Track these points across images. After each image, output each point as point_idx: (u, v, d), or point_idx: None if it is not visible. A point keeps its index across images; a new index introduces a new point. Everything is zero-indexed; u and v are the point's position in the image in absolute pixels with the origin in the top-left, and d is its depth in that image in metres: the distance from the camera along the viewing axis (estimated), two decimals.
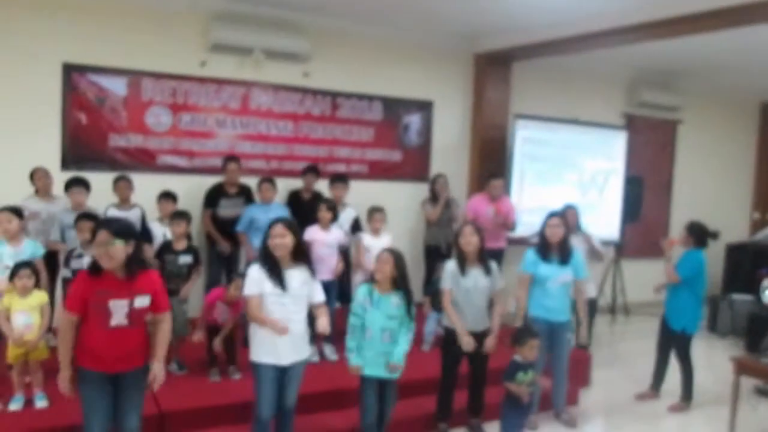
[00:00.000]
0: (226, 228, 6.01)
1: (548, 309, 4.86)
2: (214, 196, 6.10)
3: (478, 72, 7.87)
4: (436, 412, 4.69)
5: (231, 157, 6.15)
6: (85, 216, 4.77)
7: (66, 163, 5.88)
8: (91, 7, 5.88)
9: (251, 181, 6.25)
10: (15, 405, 4.12)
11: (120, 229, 3.21)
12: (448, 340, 4.58)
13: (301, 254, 3.84)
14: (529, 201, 7.67)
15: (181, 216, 5.08)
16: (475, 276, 4.48)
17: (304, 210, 6.01)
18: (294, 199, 6.42)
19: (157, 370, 3.36)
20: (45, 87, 5.79)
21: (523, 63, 7.89)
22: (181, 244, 5.01)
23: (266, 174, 6.41)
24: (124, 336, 3.23)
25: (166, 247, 5.01)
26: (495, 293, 4.57)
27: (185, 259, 4.98)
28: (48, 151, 5.78)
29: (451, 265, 4.55)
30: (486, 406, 4.69)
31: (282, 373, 3.80)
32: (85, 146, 5.98)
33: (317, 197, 6.25)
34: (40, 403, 4.15)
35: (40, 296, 4.16)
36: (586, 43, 6.73)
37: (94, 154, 6.01)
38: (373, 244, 5.54)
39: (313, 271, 3.89)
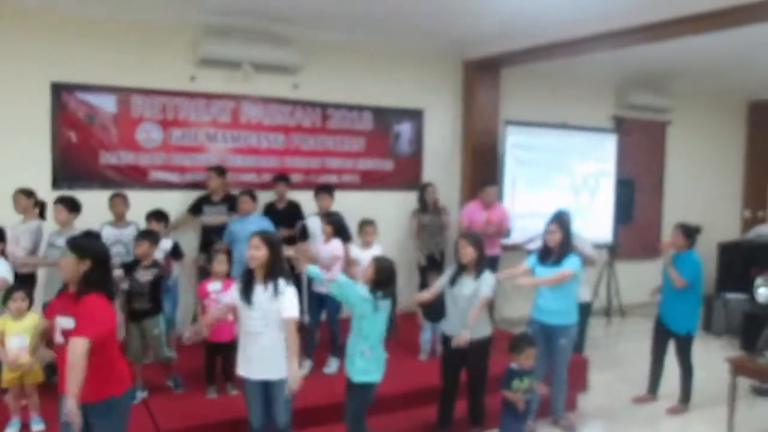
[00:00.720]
0: (211, 236, 6.03)
1: (541, 310, 4.94)
2: (198, 204, 6.21)
3: (467, 79, 7.89)
4: (437, 421, 4.68)
5: (213, 168, 6.20)
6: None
7: (57, 182, 5.86)
8: (79, 25, 5.87)
9: None
10: (12, 429, 4.09)
11: (78, 244, 3.15)
12: (446, 347, 4.60)
13: (277, 268, 3.73)
14: (522, 206, 7.70)
15: (146, 236, 4.91)
16: (465, 282, 4.48)
17: (280, 219, 6.14)
18: (269, 210, 6.43)
19: (69, 406, 2.89)
20: (34, 106, 5.77)
21: (511, 69, 7.92)
22: (146, 261, 4.81)
23: (257, 187, 6.45)
24: (63, 356, 3.04)
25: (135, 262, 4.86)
26: (479, 298, 4.46)
27: (145, 276, 4.76)
28: (38, 171, 5.76)
29: (448, 272, 4.63)
30: (488, 413, 4.67)
31: (266, 387, 3.78)
32: (76, 164, 5.96)
33: (291, 206, 6.38)
34: (37, 426, 4.12)
35: (33, 318, 4.13)
36: (573, 48, 6.76)
37: (86, 172, 6.00)
38: (363, 256, 5.52)
39: (283, 284, 3.71)
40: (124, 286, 4.68)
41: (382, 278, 4.01)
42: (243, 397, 3.95)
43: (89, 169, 6.02)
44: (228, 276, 4.82)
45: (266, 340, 3.69)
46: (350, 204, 6.63)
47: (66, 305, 3.12)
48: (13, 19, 5.64)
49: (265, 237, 3.76)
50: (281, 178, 6.49)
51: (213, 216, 6.14)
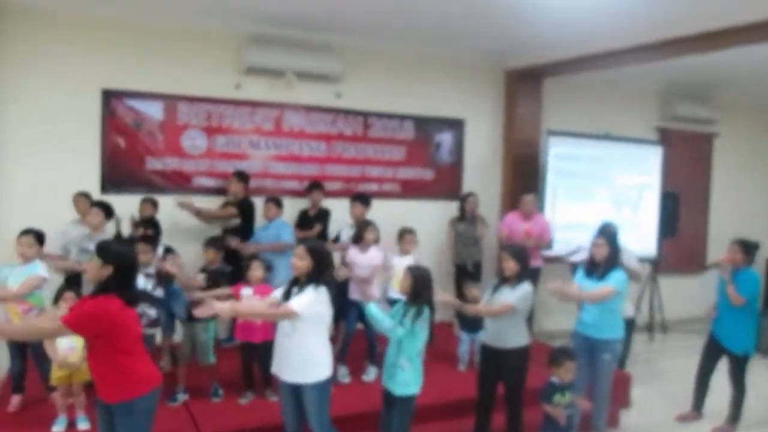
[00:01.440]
0: (227, 240, 6.07)
1: (585, 324, 4.86)
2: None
3: (509, 89, 7.85)
4: None
5: (236, 173, 6.26)
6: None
7: (105, 187, 6.00)
8: (129, 33, 6.04)
9: (286, 202, 6.30)
10: (58, 427, 4.19)
11: (104, 249, 3.19)
12: (483, 358, 4.56)
13: (319, 277, 3.75)
14: (563, 218, 7.60)
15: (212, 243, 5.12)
16: (504, 293, 4.42)
17: (310, 227, 6.24)
18: (302, 217, 6.48)
19: None
20: (85, 112, 5.94)
21: (554, 79, 7.86)
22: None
23: (299, 194, 6.55)
24: (93, 362, 3.17)
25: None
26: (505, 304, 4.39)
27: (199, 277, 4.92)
28: (88, 175, 5.92)
29: (491, 283, 4.61)
30: (526, 427, 4.60)
31: (297, 392, 3.80)
32: (123, 170, 6.11)
33: (323, 213, 6.43)
34: (83, 425, 4.22)
35: None
36: (617, 59, 6.68)
37: (132, 178, 6.14)
38: (399, 264, 5.51)
39: (310, 287, 3.72)
40: (158, 293, 4.76)
41: (419, 288, 4.01)
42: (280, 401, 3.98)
43: (136, 174, 6.16)
44: (263, 281, 4.86)
45: (294, 343, 3.71)
46: (389, 213, 6.64)
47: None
48: (67, 28, 5.82)
49: (310, 247, 3.79)
50: (316, 185, 6.53)
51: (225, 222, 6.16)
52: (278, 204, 6.07)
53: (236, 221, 6.10)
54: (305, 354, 3.72)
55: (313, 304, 3.68)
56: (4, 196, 5.67)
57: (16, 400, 4.54)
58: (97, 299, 3.10)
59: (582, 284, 4.88)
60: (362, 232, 5.49)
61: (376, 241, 5.53)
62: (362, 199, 6.17)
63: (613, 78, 8.02)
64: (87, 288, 5.00)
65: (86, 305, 3.10)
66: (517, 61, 7.53)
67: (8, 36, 5.64)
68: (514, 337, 4.39)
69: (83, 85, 5.92)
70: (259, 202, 6.26)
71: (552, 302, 6.89)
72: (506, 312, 4.33)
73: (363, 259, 5.44)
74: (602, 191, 8.01)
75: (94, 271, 3.12)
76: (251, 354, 4.87)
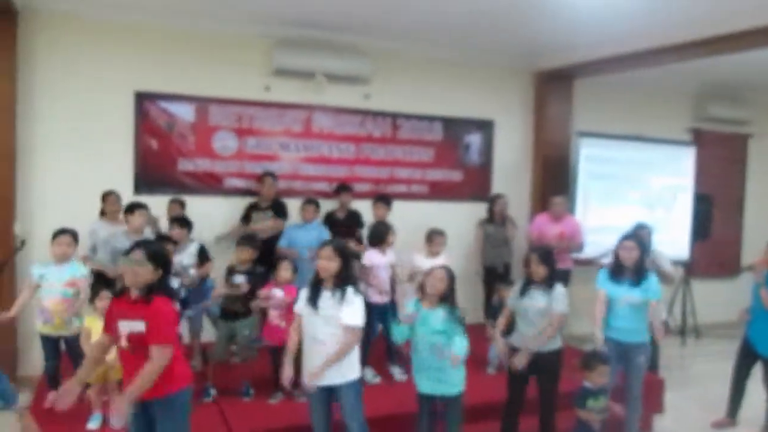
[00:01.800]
0: (267, 242, 6.07)
1: (617, 329, 4.74)
2: (247, 212, 6.26)
3: (538, 90, 7.80)
4: None
5: (270, 173, 6.30)
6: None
7: (138, 188, 6.10)
8: (161, 36, 6.13)
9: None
10: (93, 423, 4.26)
11: (155, 253, 3.22)
12: (559, 360, 4.42)
13: (347, 278, 3.79)
14: (594, 220, 7.52)
15: (247, 243, 5.09)
16: (535, 296, 4.37)
17: (339, 228, 6.21)
18: (329, 219, 6.45)
19: (118, 402, 3.02)
20: (119, 115, 6.05)
21: (584, 79, 7.78)
22: (240, 268, 5.00)
23: (328, 196, 6.55)
24: (129, 360, 3.20)
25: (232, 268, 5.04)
26: (551, 315, 4.35)
27: (238, 279, 4.94)
28: (122, 176, 6.02)
29: (516, 285, 4.52)
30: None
31: (330, 394, 3.80)
32: (155, 171, 6.20)
33: (351, 215, 6.42)
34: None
35: None
36: (649, 59, 6.59)
37: (164, 179, 6.22)
38: (428, 264, 5.49)
39: (351, 292, 3.76)
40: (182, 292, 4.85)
41: (454, 289, 3.99)
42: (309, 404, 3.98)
43: (168, 175, 6.24)
44: (289, 283, 4.89)
45: (330, 347, 3.70)
46: (418, 214, 6.64)
47: (130, 309, 3.16)
48: (101, 33, 5.93)
49: (338, 248, 3.79)
50: (344, 187, 6.54)
51: (261, 222, 6.18)
52: (317, 206, 6.13)
53: (271, 225, 6.15)
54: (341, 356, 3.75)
55: (363, 310, 3.77)
56: (40, 197, 5.80)
57: (52, 396, 4.61)
58: (167, 304, 3.20)
59: (608, 288, 4.77)
60: (384, 235, 5.46)
61: (390, 243, 5.52)
62: (384, 200, 6.21)
63: (644, 78, 7.90)
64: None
65: (163, 315, 3.14)
66: (547, 62, 7.48)
67: (43, 41, 5.77)
68: (550, 340, 4.34)
69: (117, 88, 6.02)
70: (289, 204, 6.33)
71: (582, 306, 6.83)
72: (563, 323, 4.32)
73: (383, 261, 5.44)
74: (634, 193, 7.91)
75: (146, 276, 3.14)
76: (279, 355, 4.89)
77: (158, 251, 3.25)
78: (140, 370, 3.07)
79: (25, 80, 5.71)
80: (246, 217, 6.25)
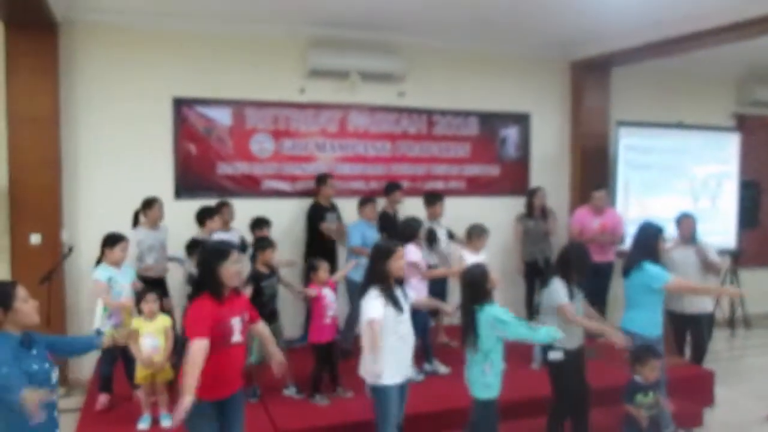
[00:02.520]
0: (327, 243, 6.18)
1: (660, 324, 4.67)
2: (318, 212, 6.26)
3: (575, 80, 7.69)
4: None
5: (329, 175, 6.35)
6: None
7: (179, 193, 6.19)
8: (196, 43, 6.21)
9: (350, 202, 6.37)
10: (143, 424, 4.35)
11: (243, 250, 3.42)
12: (566, 364, 4.24)
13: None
14: (636, 211, 7.35)
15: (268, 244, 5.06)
16: (579, 294, 4.32)
17: (394, 226, 6.08)
18: (384, 217, 6.38)
19: (278, 355, 3.62)
20: (158, 121, 6.16)
21: (622, 68, 7.63)
22: (267, 269, 4.98)
23: (365, 194, 6.53)
24: (239, 351, 3.37)
25: (260, 273, 4.97)
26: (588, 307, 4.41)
27: (274, 281, 5.00)
28: (163, 182, 6.12)
29: (560, 284, 4.27)
30: (600, 428, 4.46)
31: (402, 386, 3.87)
32: (195, 175, 6.29)
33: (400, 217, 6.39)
34: (166, 422, 4.34)
35: (164, 320, 4.40)
36: (692, 44, 6.42)
37: (204, 183, 6.31)
38: (471, 260, 5.45)
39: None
40: None
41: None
42: (359, 399, 4.00)
43: (207, 179, 6.33)
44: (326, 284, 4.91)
45: (409, 343, 3.87)
46: (456, 210, 6.59)
47: (234, 305, 3.34)
48: (140, 41, 6.04)
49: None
50: (395, 186, 6.52)
51: (334, 223, 6.27)
52: (376, 205, 6.18)
53: (342, 228, 6.25)
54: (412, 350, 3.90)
55: None
56: (84, 204, 5.94)
57: (104, 399, 4.72)
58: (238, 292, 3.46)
59: None
60: (416, 230, 5.40)
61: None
62: (438, 198, 6.22)
63: (685, 64, 7.70)
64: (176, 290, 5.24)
65: (246, 299, 3.55)
66: (583, 51, 7.35)
67: (83, 52, 5.91)
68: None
69: (155, 95, 6.13)
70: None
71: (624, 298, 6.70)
72: None
73: (420, 256, 5.40)
74: (677, 182, 7.71)
75: (245, 273, 3.42)
76: (325, 353, 4.91)
77: (242, 250, 3.51)
78: (242, 362, 3.40)
79: (67, 91, 5.85)
80: (319, 217, 6.26)
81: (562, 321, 4.11)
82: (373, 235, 5.87)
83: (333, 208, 6.35)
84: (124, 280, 4.65)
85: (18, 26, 5.50)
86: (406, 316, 3.83)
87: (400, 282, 3.93)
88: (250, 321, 3.49)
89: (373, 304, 3.73)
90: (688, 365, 5.31)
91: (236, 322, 3.31)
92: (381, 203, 6.44)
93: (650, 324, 4.54)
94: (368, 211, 6.07)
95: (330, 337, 4.88)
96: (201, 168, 6.31)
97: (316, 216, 6.27)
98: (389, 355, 3.73)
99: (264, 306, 4.72)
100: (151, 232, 5.53)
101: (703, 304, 5.58)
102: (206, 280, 3.27)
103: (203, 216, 5.51)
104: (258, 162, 6.50)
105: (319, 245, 6.20)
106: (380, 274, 3.79)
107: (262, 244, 4.94)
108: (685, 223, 5.56)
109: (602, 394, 4.47)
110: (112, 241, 4.66)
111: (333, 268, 5.37)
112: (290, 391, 4.93)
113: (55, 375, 2.83)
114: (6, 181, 5.60)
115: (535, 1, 5.65)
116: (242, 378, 3.45)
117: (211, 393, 3.26)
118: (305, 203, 6.47)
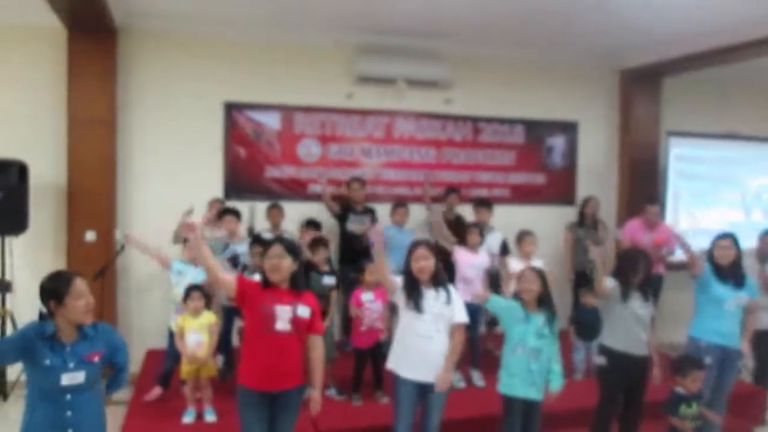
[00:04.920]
0: (353, 244, 6.18)
1: (722, 334, 4.52)
2: (344, 213, 6.30)
3: (624, 89, 7.58)
4: None
5: (357, 179, 6.38)
6: (257, 240, 5.18)
7: (228, 194, 6.35)
8: (248, 49, 6.37)
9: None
10: (188, 418, 4.46)
11: (290, 246, 3.47)
12: (610, 366, 4.26)
13: (441, 275, 3.88)
14: (686, 223, 7.21)
15: (321, 243, 5.16)
16: (637, 300, 4.23)
17: (455, 232, 6.04)
18: (459, 223, 6.33)
19: (316, 396, 3.48)
20: (210, 125, 6.33)
21: (673, 77, 7.50)
22: (324, 267, 5.14)
23: (409, 200, 6.58)
24: (287, 342, 3.36)
25: (311, 266, 5.10)
26: (652, 321, 4.28)
27: (329, 281, 5.08)
28: (213, 183, 6.29)
29: (612, 282, 4.26)
30: None
31: (421, 391, 3.80)
32: (244, 178, 6.44)
33: (458, 219, 6.36)
34: (210, 417, 4.45)
35: (209, 317, 4.51)
36: (746, 52, 6.25)
37: (252, 185, 6.45)
38: (520, 266, 5.44)
39: (453, 290, 3.90)
40: None
41: (548, 290, 3.95)
42: (391, 403, 4.00)
43: (255, 182, 6.47)
44: (378, 285, 4.93)
45: (437, 344, 3.76)
46: (501, 218, 6.56)
47: (286, 297, 3.40)
48: (193, 47, 6.24)
49: (430, 246, 3.90)
50: (452, 190, 6.52)
51: (357, 225, 6.26)
52: (407, 210, 6.21)
53: (362, 227, 6.22)
54: (444, 353, 3.79)
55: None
56: (138, 204, 6.14)
57: (157, 392, 4.86)
58: (313, 296, 3.56)
59: (720, 290, 4.52)
60: (463, 233, 5.50)
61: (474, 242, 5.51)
62: (487, 204, 6.22)
63: (739, 73, 7.50)
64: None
65: (318, 307, 3.53)
66: (633, 60, 7.25)
67: (140, 57, 6.12)
68: (645, 344, 4.23)
69: (207, 99, 6.30)
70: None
71: (673, 313, 6.56)
72: None
73: (472, 261, 5.43)
74: (729, 194, 7.54)
75: (286, 267, 3.40)
76: (366, 358, 4.97)
77: (291, 245, 3.53)
78: (300, 353, 3.42)
79: (124, 94, 6.08)
80: (342, 217, 6.30)
81: (607, 320, 4.17)
82: (402, 239, 5.88)
83: (365, 211, 6.33)
84: (193, 278, 4.74)
85: (80, 32, 5.75)
86: (428, 318, 3.75)
87: (442, 282, 3.86)
88: (310, 327, 3.47)
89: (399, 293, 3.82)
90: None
91: (282, 311, 3.35)
92: (415, 208, 6.45)
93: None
94: (398, 215, 6.09)
95: (369, 343, 4.89)
96: (249, 171, 6.45)
97: (341, 218, 6.33)
98: (406, 349, 3.78)
99: None
100: (209, 231, 5.66)
101: (760, 321, 5.39)
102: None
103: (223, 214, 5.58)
104: (305, 166, 6.61)
105: (347, 247, 6.24)
106: (406, 272, 3.85)
107: (316, 243, 5.10)
108: (765, 241, 5.48)
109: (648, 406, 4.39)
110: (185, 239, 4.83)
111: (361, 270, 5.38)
112: (331, 392, 4.98)
113: (77, 376, 2.78)
114: (65, 180, 5.84)
115: (585, 9, 5.61)
116: (299, 376, 3.45)
117: (257, 382, 3.35)
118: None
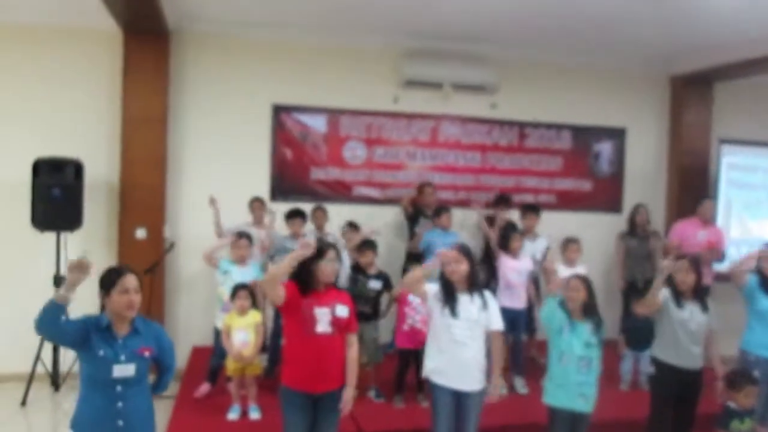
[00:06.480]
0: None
1: None
2: (414, 216, 6.29)
3: (674, 95, 7.43)
4: None
5: (426, 182, 6.41)
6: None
7: (274, 195, 6.43)
8: (296, 52, 6.45)
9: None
10: (233, 415, 4.53)
11: (338, 251, 3.49)
12: (660, 377, 4.19)
13: (478, 280, 3.85)
14: (737, 233, 7.03)
15: (368, 245, 5.17)
16: (692, 310, 4.14)
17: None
18: (513, 228, 6.30)
19: (348, 395, 3.46)
20: (257, 126, 6.43)
21: (725, 83, 7.32)
22: (371, 270, 5.14)
23: (453, 204, 6.55)
24: (329, 344, 3.38)
25: (358, 269, 5.15)
26: (711, 333, 4.19)
27: (375, 284, 5.07)
28: (260, 184, 6.38)
29: (666, 292, 4.17)
30: None
31: (457, 399, 3.76)
32: (290, 179, 6.51)
33: (508, 226, 6.26)
34: (254, 414, 4.52)
35: (255, 316, 4.57)
36: None
37: (298, 186, 6.52)
38: (565, 273, 5.37)
39: (489, 296, 3.84)
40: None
41: (594, 299, 3.88)
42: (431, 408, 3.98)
43: (301, 183, 6.54)
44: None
45: (471, 351, 3.71)
46: (547, 224, 6.49)
47: (324, 298, 3.42)
48: (241, 50, 6.34)
49: (464, 250, 3.82)
50: (504, 198, 6.47)
51: (425, 228, 6.24)
52: (451, 214, 6.16)
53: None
54: (481, 360, 3.75)
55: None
56: (187, 202, 6.25)
57: (205, 388, 4.96)
58: (347, 294, 3.65)
59: (762, 300, 4.43)
60: (508, 239, 5.46)
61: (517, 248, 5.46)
62: (534, 210, 6.16)
63: None
64: None
65: (353, 306, 3.59)
66: (684, 65, 7.10)
67: (191, 59, 6.26)
68: (697, 358, 4.15)
69: (256, 101, 6.40)
70: None
71: (724, 324, 6.38)
72: None
73: (515, 266, 5.39)
74: None
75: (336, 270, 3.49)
76: (408, 359, 4.97)
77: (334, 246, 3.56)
78: (342, 354, 3.46)
79: (175, 95, 6.21)
80: (414, 217, 6.31)
81: (658, 331, 4.11)
82: (445, 243, 5.86)
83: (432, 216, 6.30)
84: (239, 278, 4.81)
85: (135, 34, 5.90)
86: (462, 324, 3.70)
87: (477, 288, 3.81)
88: (347, 327, 3.50)
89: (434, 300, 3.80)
90: None
91: (322, 313, 3.37)
92: (458, 213, 6.43)
93: None
94: (443, 219, 6.06)
95: (411, 344, 4.87)
96: (295, 172, 6.53)
97: (412, 219, 6.33)
98: (440, 354, 3.75)
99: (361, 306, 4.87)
100: (253, 230, 5.73)
101: None
102: (301, 273, 3.40)
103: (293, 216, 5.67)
104: (350, 168, 6.65)
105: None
106: (442, 276, 3.81)
107: (364, 245, 5.11)
108: None
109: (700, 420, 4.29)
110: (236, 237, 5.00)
111: None
112: (371, 394, 5.00)
113: (128, 368, 2.83)
114: (117, 177, 5.99)
115: (634, 14, 5.53)
116: (342, 377, 3.47)
117: (300, 383, 3.37)
118: (394, 210, 6.58)
